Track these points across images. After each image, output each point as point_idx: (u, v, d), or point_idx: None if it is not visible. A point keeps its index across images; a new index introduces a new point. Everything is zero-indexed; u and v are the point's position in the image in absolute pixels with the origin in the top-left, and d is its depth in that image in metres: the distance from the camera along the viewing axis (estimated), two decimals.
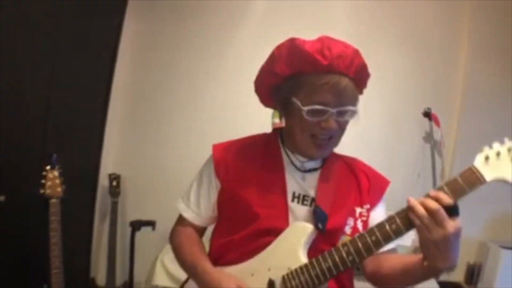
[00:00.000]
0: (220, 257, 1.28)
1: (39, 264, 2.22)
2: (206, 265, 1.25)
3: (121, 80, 2.97)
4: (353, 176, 1.32)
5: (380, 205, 1.29)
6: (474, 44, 2.87)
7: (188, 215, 1.36)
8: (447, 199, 0.99)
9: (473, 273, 2.83)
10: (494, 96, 2.86)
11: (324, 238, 1.17)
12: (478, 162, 1.03)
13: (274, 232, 1.19)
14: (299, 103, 1.15)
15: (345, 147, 1.32)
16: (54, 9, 2.31)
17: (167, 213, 2.32)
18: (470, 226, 2.81)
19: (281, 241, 1.18)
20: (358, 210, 1.23)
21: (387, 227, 1.04)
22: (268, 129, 1.55)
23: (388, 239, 1.05)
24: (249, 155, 1.32)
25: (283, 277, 1.13)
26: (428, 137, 2.88)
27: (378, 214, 1.24)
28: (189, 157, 2.87)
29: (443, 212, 0.98)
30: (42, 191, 2.08)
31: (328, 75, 1.14)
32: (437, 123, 2.83)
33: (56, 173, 2.10)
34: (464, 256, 2.82)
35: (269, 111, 2.42)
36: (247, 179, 1.28)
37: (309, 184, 1.27)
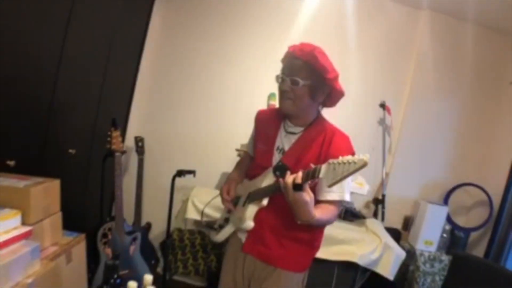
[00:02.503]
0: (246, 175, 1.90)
1: (101, 201, 2.72)
2: (231, 173, 1.97)
3: (147, 65, 3.40)
4: (322, 142, 1.64)
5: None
6: (420, 55, 3.34)
7: (246, 148, 2.00)
8: (297, 180, 1.39)
9: (408, 222, 3.37)
10: (432, 93, 3.37)
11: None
12: (327, 164, 1.32)
13: (262, 168, 1.74)
14: None
15: None
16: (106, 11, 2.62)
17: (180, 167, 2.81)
18: (408, 189, 3.41)
19: (261, 176, 1.73)
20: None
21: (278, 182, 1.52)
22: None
23: (273, 189, 1.59)
24: (268, 118, 1.82)
25: (249, 192, 1.75)
26: (381, 122, 3.36)
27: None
28: (199, 127, 3.46)
29: (289, 186, 1.40)
30: (108, 146, 2.47)
31: (291, 57, 1.62)
32: (389, 112, 3.32)
33: (118, 133, 2.50)
34: (402, 210, 3.41)
35: (266, 95, 3.03)
36: (261, 132, 1.82)
37: (287, 142, 1.70)
